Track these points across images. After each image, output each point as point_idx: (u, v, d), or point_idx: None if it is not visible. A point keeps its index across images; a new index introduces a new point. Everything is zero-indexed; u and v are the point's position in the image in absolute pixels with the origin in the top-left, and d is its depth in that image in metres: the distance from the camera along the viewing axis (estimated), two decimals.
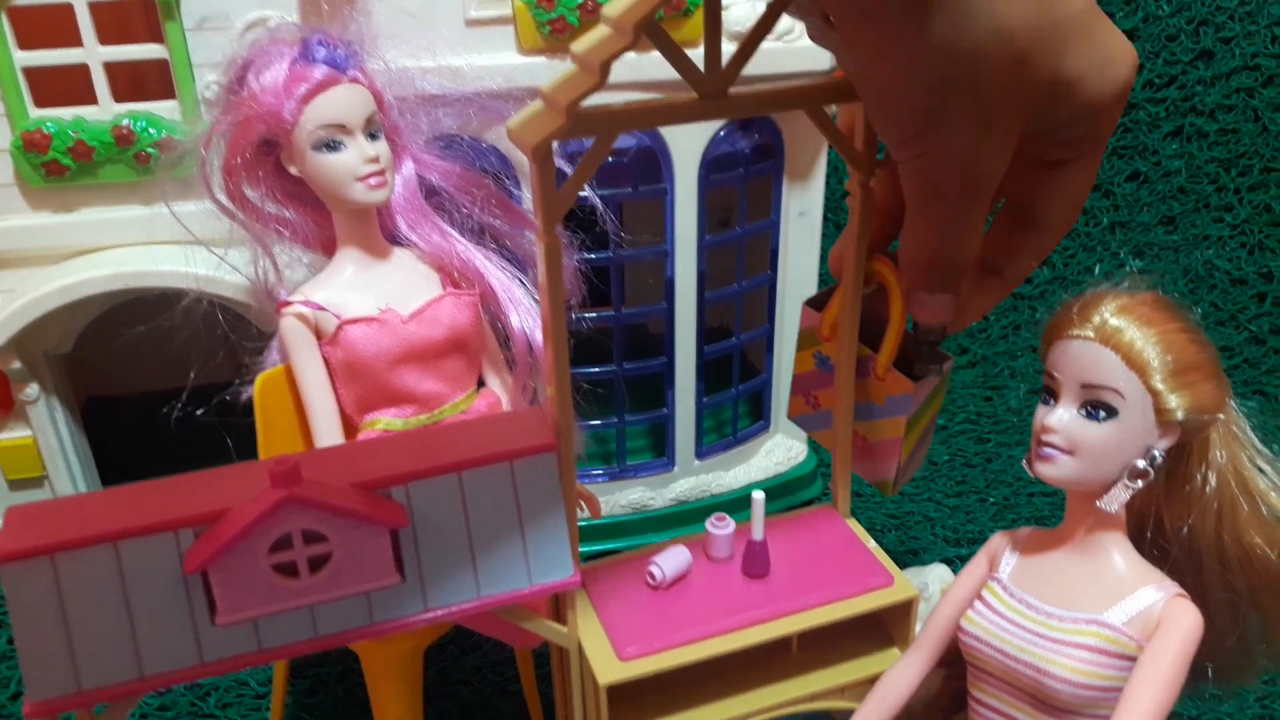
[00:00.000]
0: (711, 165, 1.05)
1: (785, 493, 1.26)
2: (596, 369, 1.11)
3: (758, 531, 0.73)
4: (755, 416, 1.28)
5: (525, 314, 0.88)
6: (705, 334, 1.14)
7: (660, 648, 0.68)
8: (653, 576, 0.72)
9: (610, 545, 1.16)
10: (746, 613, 0.70)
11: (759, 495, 0.72)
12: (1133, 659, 0.61)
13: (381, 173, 0.81)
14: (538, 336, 0.89)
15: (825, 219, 1.21)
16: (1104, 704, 0.62)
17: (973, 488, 1.30)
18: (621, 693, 0.69)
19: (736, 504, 1.23)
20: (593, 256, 1.04)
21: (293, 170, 0.82)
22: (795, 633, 0.70)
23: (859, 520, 1.25)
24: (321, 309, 0.82)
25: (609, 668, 0.68)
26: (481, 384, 0.90)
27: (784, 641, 0.74)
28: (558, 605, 0.70)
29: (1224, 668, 0.70)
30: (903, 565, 1.18)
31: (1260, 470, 0.65)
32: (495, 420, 0.73)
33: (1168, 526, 0.67)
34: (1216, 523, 0.65)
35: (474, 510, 0.64)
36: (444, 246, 0.86)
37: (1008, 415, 1.45)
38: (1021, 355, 1.57)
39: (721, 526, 0.74)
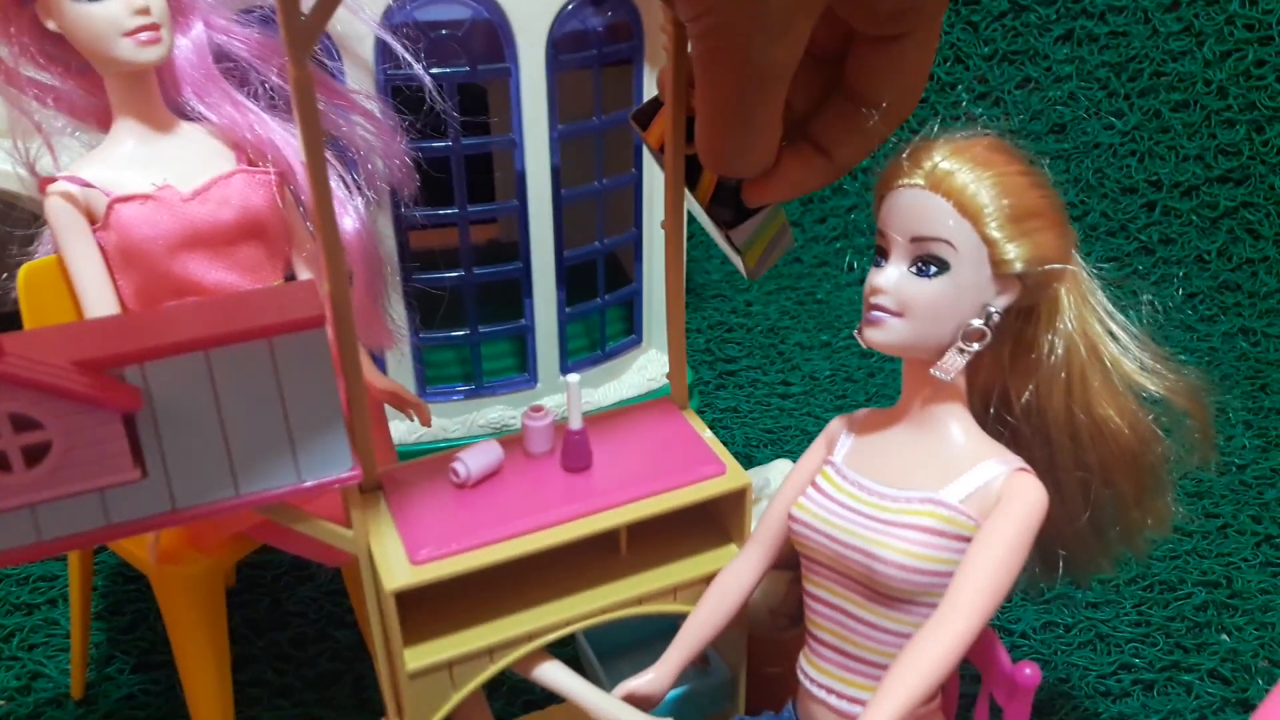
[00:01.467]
0: (560, 44, 0.96)
1: None
2: (445, 274, 1.03)
3: (575, 420, 0.65)
4: (627, 330, 1.20)
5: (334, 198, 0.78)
6: (566, 238, 1.06)
7: (458, 549, 0.61)
8: (456, 474, 0.65)
9: None
10: (559, 509, 0.63)
11: (573, 378, 0.64)
12: (969, 539, 0.55)
13: (153, 27, 0.71)
14: (349, 226, 0.80)
15: None
16: (938, 590, 0.56)
17: (854, 402, 1.25)
18: (419, 600, 0.62)
19: None
20: (434, 145, 0.95)
21: (50, 25, 0.71)
22: (613, 527, 0.63)
23: (732, 437, 1.19)
24: (90, 186, 0.72)
25: (398, 572, 0.60)
26: (293, 278, 0.81)
27: (612, 542, 0.67)
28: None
29: (1077, 555, 0.65)
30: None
31: (1112, 336, 0.60)
32: (258, 295, 0.64)
33: (1014, 401, 0.62)
34: (1066, 395, 0.59)
35: (227, 395, 0.55)
36: (236, 118, 0.76)
37: None
38: None
39: (538, 418, 0.67)
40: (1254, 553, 1.00)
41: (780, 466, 0.80)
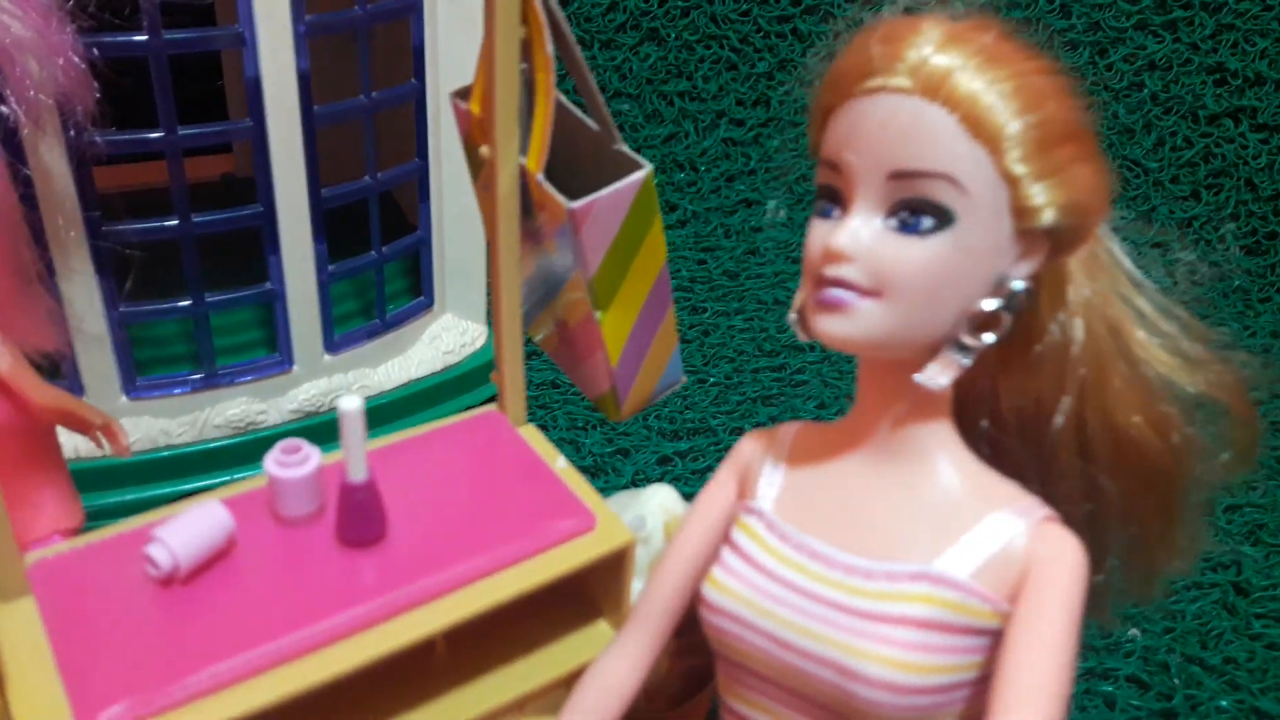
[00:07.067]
0: None
1: (460, 391, 0.96)
2: (153, 224, 0.74)
3: (356, 467, 0.41)
4: (412, 290, 0.95)
5: None
6: (324, 171, 0.79)
7: (163, 706, 0.36)
8: (155, 564, 0.39)
9: (191, 486, 0.81)
10: (333, 615, 0.39)
11: (349, 404, 0.40)
12: (987, 632, 0.37)
13: None
14: None
15: None
16: (945, 713, 0.37)
17: (689, 367, 1.06)
18: None
19: (392, 412, 0.91)
20: (123, 39, 0.66)
21: None
22: (422, 637, 0.40)
23: (553, 419, 0.98)
24: None
25: None
26: None
27: (425, 644, 0.44)
28: None
29: None
30: (611, 472, 0.92)
31: (1140, 315, 0.42)
32: None
33: (1005, 409, 0.43)
34: (1078, 399, 0.42)
35: None
36: None
37: (723, 279, 1.22)
38: (735, 210, 1.34)
39: (292, 464, 0.42)
40: None
41: (659, 497, 0.59)
